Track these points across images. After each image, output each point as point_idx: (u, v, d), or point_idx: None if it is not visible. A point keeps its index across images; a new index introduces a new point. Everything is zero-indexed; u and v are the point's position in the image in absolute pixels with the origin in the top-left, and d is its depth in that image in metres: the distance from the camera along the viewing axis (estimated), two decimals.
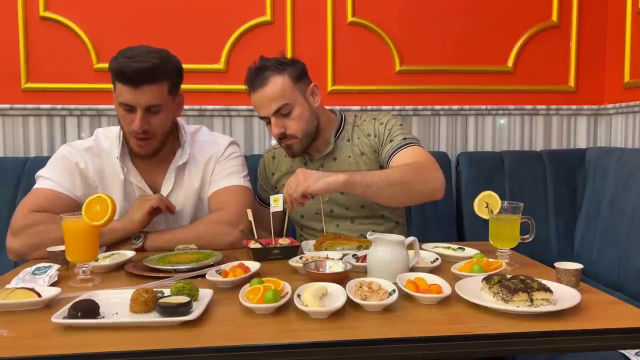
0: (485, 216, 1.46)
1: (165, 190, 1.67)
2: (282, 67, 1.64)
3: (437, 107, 2.42)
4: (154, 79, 1.51)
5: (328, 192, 1.49)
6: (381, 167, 1.72)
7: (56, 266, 1.30)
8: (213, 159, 1.73)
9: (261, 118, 1.69)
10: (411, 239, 1.26)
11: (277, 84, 1.62)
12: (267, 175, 1.89)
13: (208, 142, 1.76)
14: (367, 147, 1.73)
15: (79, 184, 1.62)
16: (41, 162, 1.75)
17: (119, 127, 1.66)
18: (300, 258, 1.37)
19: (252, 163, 2.20)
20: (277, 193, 1.80)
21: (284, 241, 1.50)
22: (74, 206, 1.54)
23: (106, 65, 1.59)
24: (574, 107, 2.49)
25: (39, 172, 1.63)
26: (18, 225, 1.52)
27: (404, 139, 1.66)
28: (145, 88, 1.50)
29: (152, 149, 1.61)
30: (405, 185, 1.53)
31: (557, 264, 1.19)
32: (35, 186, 1.61)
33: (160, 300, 0.99)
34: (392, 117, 1.76)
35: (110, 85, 1.60)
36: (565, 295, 1.06)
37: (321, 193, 1.49)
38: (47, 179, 1.60)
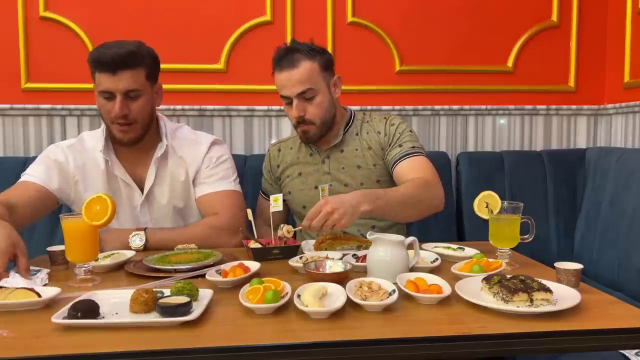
0: (485, 216, 1.46)
1: (148, 182, 1.70)
2: (313, 54, 1.69)
3: (437, 107, 2.42)
4: (131, 64, 1.56)
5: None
6: (385, 166, 1.75)
7: (46, 270, 1.29)
8: (197, 158, 1.73)
9: (282, 97, 1.71)
10: (411, 239, 1.26)
11: (306, 68, 1.66)
12: (272, 168, 1.90)
13: (190, 140, 1.76)
14: (376, 143, 1.77)
15: (55, 178, 1.65)
16: None
17: (103, 126, 1.69)
18: (300, 258, 1.37)
19: (252, 163, 2.21)
20: (282, 184, 1.83)
21: (290, 231, 1.49)
22: (44, 194, 1.63)
23: None
24: (574, 107, 2.49)
25: (27, 170, 1.69)
26: None
27: (413, 147, 1.72)
28: (123, 74, 1.55)
29: (135, 135, 1.63)
30: (415, 207, 1.60)
31: (557, 264, 1.19)
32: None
33: (160, 301, 0.99)
34: (402, 121, 1.81)
35: None
36: (565, 295, 1.06)
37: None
38: (26, 174, 1.67)
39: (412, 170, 1.66)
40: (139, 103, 1.60)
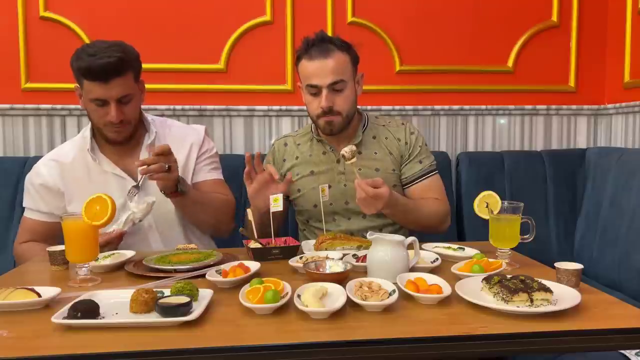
0: (485, 216, 1.45)
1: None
2: (346, 47, 1.70)
3: (437, 107, 2.42)
4: (121, 71, 1.58)
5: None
6: (400, 173, 1.78)
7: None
8: (196, 143, 1.81)
9: (309, 87, 1.69)
10: (411, 239, 1.26)
11: (340, 59, 1.66)
12: (277, 161, 1.87)
13: (184, 127, 1.88)
14: (396, 149, 1.79)
15: (46, 202, 1.71)
16: None
17: (86, 128, 1.74)
18: (300, 258, 1.37)
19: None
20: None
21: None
22: (50, 225, 1.69)
23: None
24: (574, 107, 2.49)
25: (23, 202, 1.76)
26: (14, 255, 1.77)
27: (430, 164, 1.79)
28: (115, 81, 1.57)
29: (128, 133, 1.69)
30: (422, 226, 1.73)
31: (557, 264, 1.19)
32: (24, 215, 1.76)
33: (160, 301, 0.99)
34: (415, 128, 1.85)
35: None
36: (565, 295, 1.06)
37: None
38: (26, 209, 1.74)
39: (430, 192, 1.75)
40: (131, 105, 1.64)
